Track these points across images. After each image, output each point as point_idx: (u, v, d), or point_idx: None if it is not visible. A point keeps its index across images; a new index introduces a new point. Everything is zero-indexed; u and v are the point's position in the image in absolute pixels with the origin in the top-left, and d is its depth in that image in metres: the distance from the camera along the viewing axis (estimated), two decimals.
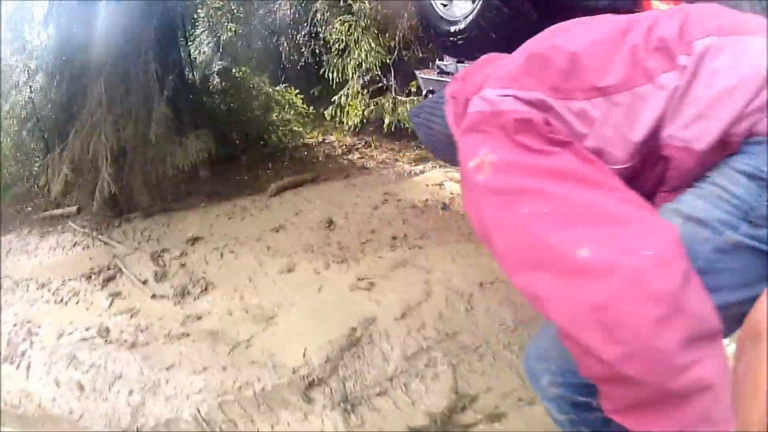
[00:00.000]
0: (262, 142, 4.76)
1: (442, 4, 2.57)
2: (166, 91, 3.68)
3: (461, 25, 2.37)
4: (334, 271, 2.83)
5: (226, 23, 5.13)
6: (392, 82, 4.62)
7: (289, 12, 5.22)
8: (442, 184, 3.75)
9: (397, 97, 4.43)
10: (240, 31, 5.18)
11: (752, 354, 0.66)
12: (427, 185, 3.77)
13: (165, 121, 3.62)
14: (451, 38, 2.49)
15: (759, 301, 0.68)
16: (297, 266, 2.92)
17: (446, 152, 1.17)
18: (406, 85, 4.61)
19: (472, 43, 2.32)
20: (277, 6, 5.27)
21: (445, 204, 3.42)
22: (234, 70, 4.79)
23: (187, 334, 2.44)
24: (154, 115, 3.59)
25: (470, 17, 2.28)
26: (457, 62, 3.12)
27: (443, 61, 3.36)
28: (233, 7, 5.19)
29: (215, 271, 2.99)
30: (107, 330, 2.52)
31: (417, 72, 3.43)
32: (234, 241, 3.29)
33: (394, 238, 3.09)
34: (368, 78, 4.71)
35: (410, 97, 4.38)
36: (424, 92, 3.28)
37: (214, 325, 2.50)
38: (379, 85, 4.77)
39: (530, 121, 0.86)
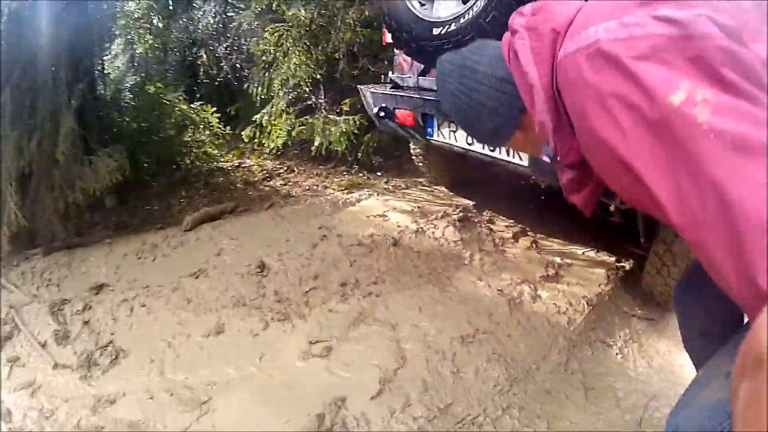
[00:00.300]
0: (174, 166, 4.09)
1: (419, 3, 2.17)
2: (74, 100, 3.01)
3: (451, 27, 1.97)
4: (276, 332, 2.25)
5: (144, 35, 4.51)
6: (321, 99, 4.10)
7: (212, 21, 4.56)
8: (386, 215, 3.30)
9: (329, 116, 3.92)
10: (157, 45, 4.55)
11: (753, 379, 0.60)
12: (368, 216, 3.30)
13: (73, 138, 2.95)
14: (434, 42, 2.10)
15: (758, 320, 0.61)
16: (227, 326, 2.30)
17: (492, 109, 1.00)
18: (338, 103, 4.12)
19: None
20: (200, 14, 4.58)
21: (395, 239, 2.97)
22: (147, 86, 4.13)
23: (102, 427, 1.79)
24: (61, 131, 2.90)
25: (467, 17, 1.90)
26: (419, 75, 2.74)
27: (397, 73, 2.96)
28: (153, 18, 4.55)
29: (125, 333, 2.30)
30: (9, 413, 1.88)
31: (363, 87, 2.99)
32: (145, 290, 2.60)
33: (344, 284, 2.57)
34: (294, 95, 4.16)
35: (342, 117, 3.89)
36: (374, 110, 2.84)
37: (133, 412, 1.86)
38: (307, 103, 4.22)
39: (737, 54, 0.67)
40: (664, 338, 2.26)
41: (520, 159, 2.27)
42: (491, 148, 2.38)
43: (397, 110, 2.79)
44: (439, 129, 2.65)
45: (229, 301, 2.46)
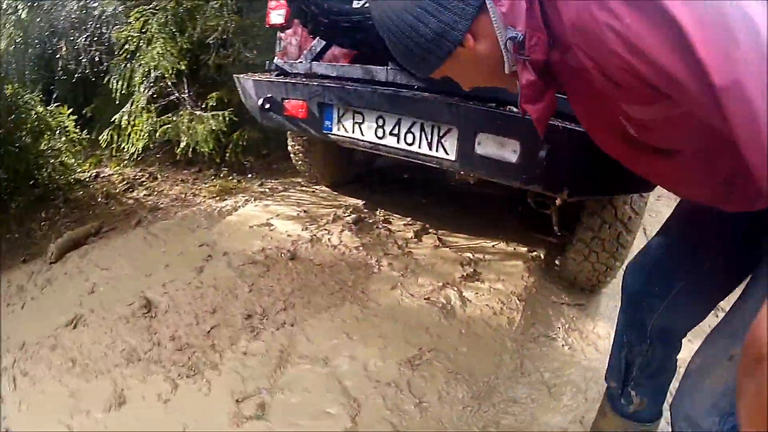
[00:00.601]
0: (31, 181, 3.42)
1: None
2: None
3: None
4: (190, 393, 1.75)
5: (8, 27, 3.87)
6: (185, 94, 3.40)
7: (75, 6, 3.85)
8: (270, 224, 2.83)
9: (194, 112, 3.25)
10: (19, 38, 3.94)
11: (755, 378, 0.61)
12: (251, 227, 2.80)
13: None
14: (354, 17, 1.76)
15: (759, 316, 0.62)
16: (128, 393, 1.75)
17: (442, 2, 0.83)
18: (203, 98, 3.49)
19: None
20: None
21: (290, 252, 2.55)
22: (6, 86, 3.42)
23: None
24: None
25: None
26: (312, 59, 2.34)
27: (284, 59, 2.52)
28: (18, 6, 3.86)
29: (17, 415, 1.73)
30: None
31: (241, 77, 2.49)
32: (22, 351, 2.01)
33: (249, 316, 2.11)
34: (156, 90, 3.47)
35: (210, 113, 3.27)
36: (258, 101, 2.38)
37: None
38: (170, 98, 3.52)
39: None
40: (599, 321, 2.27)
41: (446, 153, 2.03)
42: (411, 146, 2.11)
43: (286, 101, 2.37)
44: (339, 121, 2.29)
45: (120, 357, 1.89)
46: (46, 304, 2.31)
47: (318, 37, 2.29)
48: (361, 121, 2.23)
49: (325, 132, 2.34)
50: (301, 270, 2.44)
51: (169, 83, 3.44)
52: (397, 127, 2.11)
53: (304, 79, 2.31)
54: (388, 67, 2.12)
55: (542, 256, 2.63)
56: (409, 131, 2.08)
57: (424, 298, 2.26)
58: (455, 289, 2.34)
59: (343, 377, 1.82)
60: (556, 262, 2.58)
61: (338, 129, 2.30)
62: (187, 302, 2.15)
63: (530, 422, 1.72)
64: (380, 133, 2.18)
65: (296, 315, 2.14)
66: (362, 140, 2.25)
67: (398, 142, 2.14)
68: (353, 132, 2.26)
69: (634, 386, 1.38)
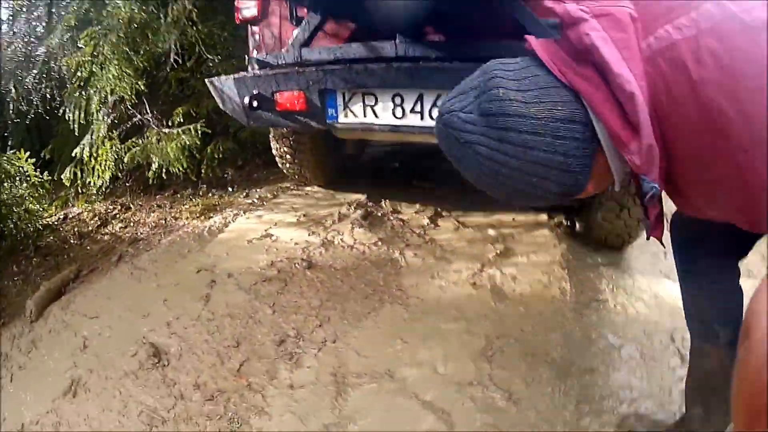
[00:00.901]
0: None
1: None
2: None
3: None
4: None
5: None
6: (148, 114, 3.05)
7: (21, 45, 3.57)
8: (271, 234, 2.56)
9: (163, 130, 2.91)
10: None
11: (742, 347, 0.64)
12: (250, 241, 2.51)
13: None
14: None
15: (751, 301, 0.65)
16: None
17: (558, 167, 0.73)
18: (169, 115, 3.16)
19: None
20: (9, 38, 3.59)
21: (306, 261, 2.29)
22: None
23: None
24: None
25: None
26: (301, 46, 2.09)
27: (262, 53, 2.26)
28: None
29: None
30: None
31: (216, 79, 2.20)
32: None
33: (282, 341, 1.84)
34: (116, 115, 3.16)
35: (177, 129, 2.95)
36: (244, 100, 2.10)
37: None
38: (133, 121, 3.18)
39: None
40: (636, 276, 2.22)
41: None
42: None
43: (278, 94, 2.11)
44: (346, 107, 2.06)
45: (140, 423, 1.56)
46: (36, 371, 1.92)
47: (313, 13, 2.06)
48: (373, 102, 2.01)
49: (330, 122, 2.11)
50: (323, 278, 2.20)
51: (129, 105, 3.14)
52: (419, 103, 1.92)
53: (297, 69, 2.06)
54: (396, 41, 1.92)
55: (564, 221, 2.53)
56: (434, 105, 1.89)
57: (470, 284, 2.09)
58: (494, 268, 2.18)
59: (418, 389, 1.60)
60: (577, 225, 2.50)
61: (345, 116, 2.08)
62: (203, 339, 1.85)
63: (614, 387, 1.60)
64: (399, 112, 1.98)
65: (335, 329, 1.89)
66: (378, 124, 2.03)
67: (422, 119, 1.94)
68: (365, 116, 2.04)
69: (715, 322, 1.32)
